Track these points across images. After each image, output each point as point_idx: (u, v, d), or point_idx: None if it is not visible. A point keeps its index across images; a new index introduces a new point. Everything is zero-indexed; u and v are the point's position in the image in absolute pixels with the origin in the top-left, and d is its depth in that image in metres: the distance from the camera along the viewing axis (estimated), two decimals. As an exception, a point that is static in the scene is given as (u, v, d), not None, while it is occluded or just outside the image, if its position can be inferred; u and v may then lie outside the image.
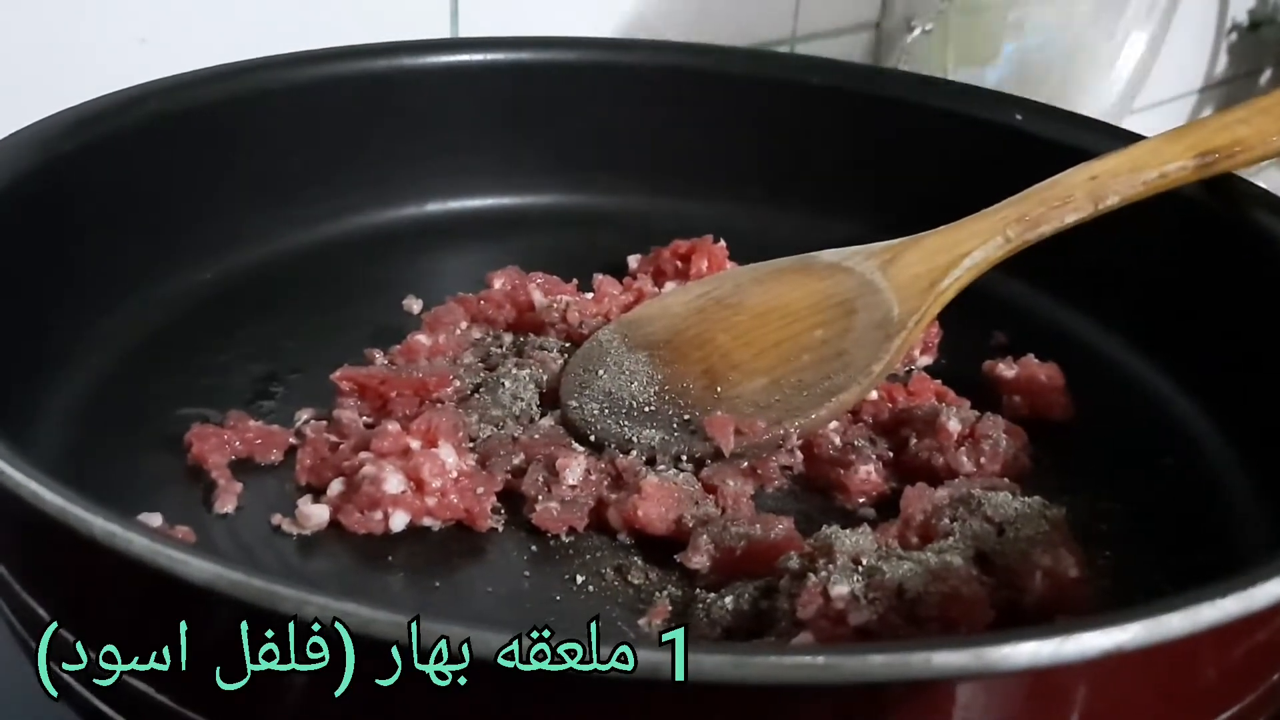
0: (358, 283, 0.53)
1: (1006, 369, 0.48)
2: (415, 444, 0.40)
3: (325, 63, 0.54)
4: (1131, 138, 0.49)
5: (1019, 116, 0.54)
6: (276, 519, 0.40)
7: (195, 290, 0.51)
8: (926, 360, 0.50)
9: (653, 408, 0.43)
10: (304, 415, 0.44)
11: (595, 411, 0.43)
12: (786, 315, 0.46)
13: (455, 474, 0.40)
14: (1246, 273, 0.47)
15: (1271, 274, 0.45)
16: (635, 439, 0.42)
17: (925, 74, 0.60)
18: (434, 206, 0.58)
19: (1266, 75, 1.13)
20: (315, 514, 0.39)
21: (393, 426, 0.41)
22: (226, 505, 0.40)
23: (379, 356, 0.47)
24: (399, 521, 0.39)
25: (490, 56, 0.57)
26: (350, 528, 0.39)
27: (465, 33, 0.63)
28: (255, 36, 0.55)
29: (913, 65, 0.75)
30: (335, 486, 0.40)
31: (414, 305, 0.52)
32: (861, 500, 0.42)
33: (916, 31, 0.77)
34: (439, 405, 0.44)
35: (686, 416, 0.43)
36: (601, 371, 0.45)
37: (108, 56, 0.53)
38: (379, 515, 0.39)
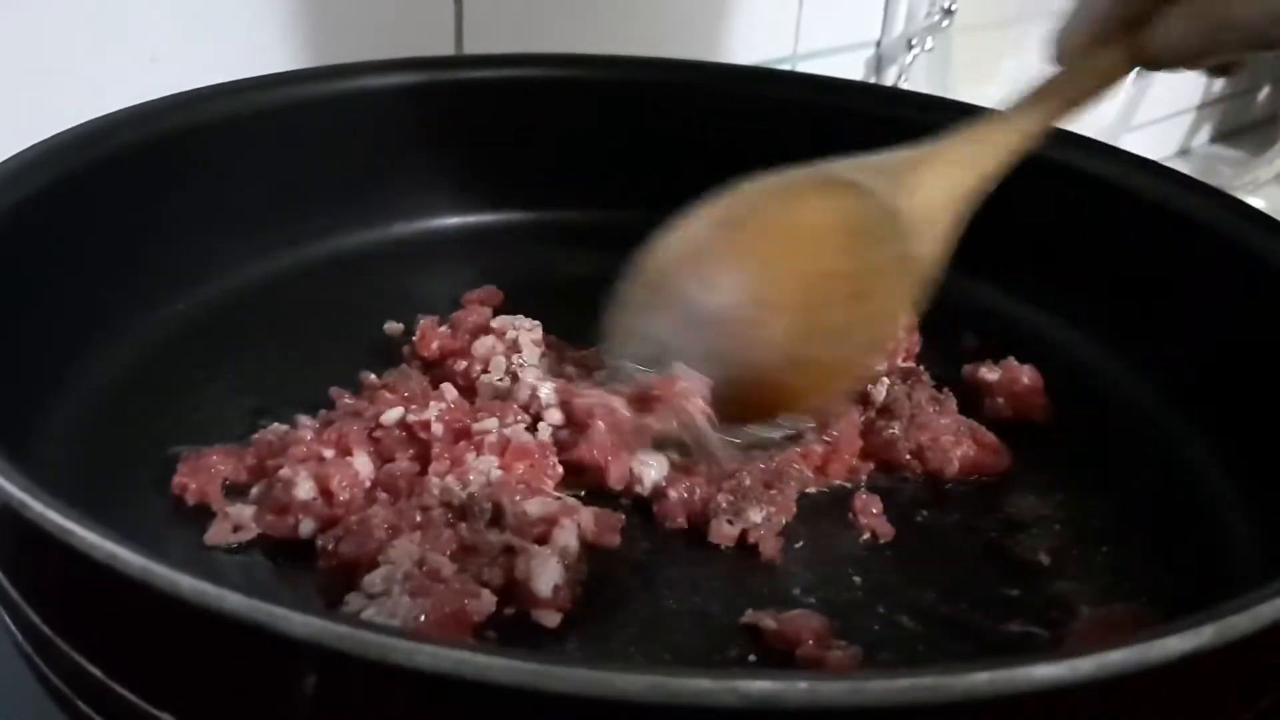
0: (332, 308, 0.53)
1: (988, 372, 0.49)
2: (328, 453, 0.40)
3: (292, 86, 0.54)
4: (1128, 157, 0.52)
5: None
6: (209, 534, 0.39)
7: (168, 323, 0.49)
8: (908, 366, 0.51)
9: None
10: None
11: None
12: (808, 242, 0.42)
13: (368, 484, 0.40)
14: (1211, 270, 0.49)
15: (1235, 270, 0.48)
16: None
17: (925, 92, 0.61)
18: (403, 227, 0.58)
19: (1264, 92, 1.16)
20: (238, 516, 0.39)
21: (306, 434, 0.41)
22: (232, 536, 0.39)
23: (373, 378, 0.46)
24: (306, 528, 0.39)
25: (462, 75, 0.57)
26: (264, 530, 0.39)
27: (470, 49, 0.63)
28: (263, 54, 0.55)
29: (913, 83, 0.77)
30: (255, 490, 0.40)
31: (395, 329, 0.51)
32: None
33: (917, 50, 0.79)
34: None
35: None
36: (641, 327, 0.42)
37: (119, 75, 0.53)
38: (290, 520, 0.39)
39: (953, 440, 0.45)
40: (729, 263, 0.41)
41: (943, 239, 0.42)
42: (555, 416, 0.43)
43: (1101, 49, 0.42)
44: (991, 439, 0.46)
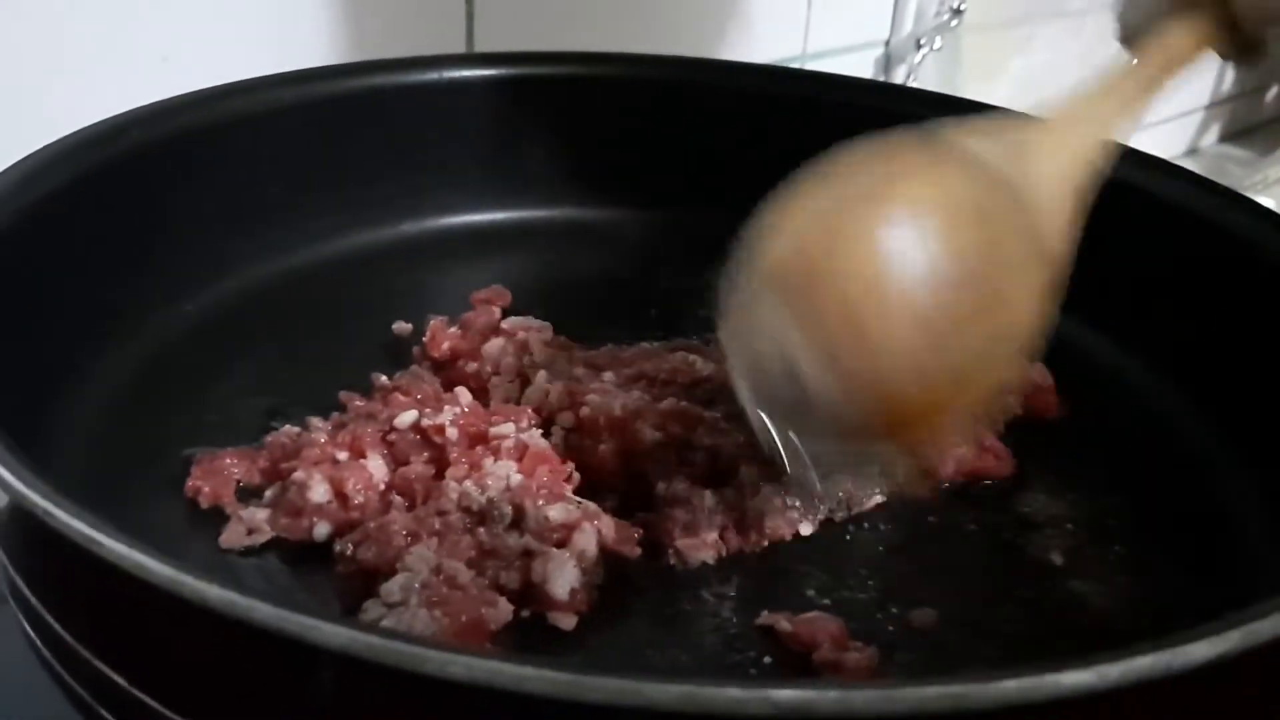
0: (343, 308, 0.53)
1: (1000, 371, 0.49)
2: (342, 455, 0.40)
3: (302, 84, 0.53)
4: (1140, 156, 0.51)
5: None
6: (224, 537, 0.39)
7: (178, 323, 0.49)
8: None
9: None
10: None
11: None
12: (928, 228, 0.34)
13: (383, 486, 0.40)
14: (1224, 269, 0.49)
15: (1248, 269, 0.48)
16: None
17: (934, 90, 0.61)
18: (413, 225, 0.58)
19: (1273, 92, 1.15)
20: (252, 519, 0.39)
21: (319, 436, 0.41)
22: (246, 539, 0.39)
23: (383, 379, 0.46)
24: (321, 531, 0.39)
25: (473, 73, 0.57)
26: (278, 533, 0.39)
27: (481, 48, 0.63)
28: (274, 53, 0.55)
29: (922, 83, 0.76)
30: (269, 492, 0.40)
31: (405, 329, 0.51)
32: None
33: (925, 50, 0.79)
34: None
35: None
36: (758, 325, 0.34)
37: (131, 74, 0.53)
38: (305, 523, 0.39)
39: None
40: (857, 247, 0.34)
41: (1071, 228, 0.36)
42: (567, 420, 0.43)
43: (1177, 21, 0.38)
44: (995, 444, 0.45)
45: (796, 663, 0.36)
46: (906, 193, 0.35)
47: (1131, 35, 0.39)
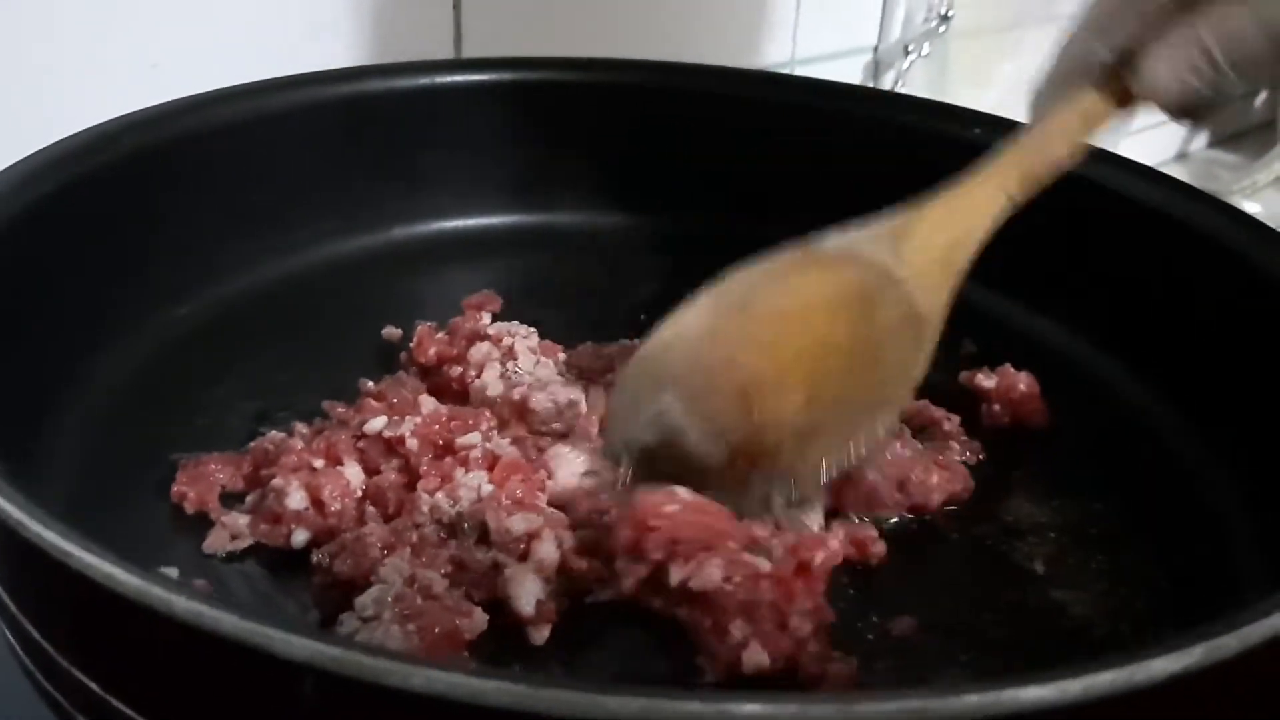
0: (335, 313, 0.53)
1: (985, 379, 0.49)
2: (318, 462, 0.40)
3: (294, 89, 0.54)
4: (1125, 162, 0.51)
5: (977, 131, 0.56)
6: (208, 542, 0.39)
7: (171, 327, 0.50)
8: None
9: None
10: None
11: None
12: (806, 318, 0.41)
13: (360, 493, 0.40)
14: (1207, 276, 0.49)
15: (1231, 275, 0.48)
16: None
17: (922, 97, 0.61)
18: (404, 231, 0.58)
19: (1262, 97, 1.14)
20: (234, 524, 0.40)
21: (297, 443, 0.41)
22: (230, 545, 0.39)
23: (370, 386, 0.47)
24: (300, 538, 0.39)
25: (462, 78, 0.57)
26: (259, 539, 0.39)
27: (469, 54, 0.63)
28: (263, 60, 0.56)
29: (910, 89, 0.76)
30: (250, 498, 0.41)
31: (394, 334, 0.52)
32: None
33: (914, 55, 0.79)
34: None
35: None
36: (638, 426, 0.40)
37: (121, 81, 0.53)
38: (283, 530, 0.39)
39: (924, 470, 0.44)
40: (731, 348, 0.40)
41: (944, 294, 0.42)
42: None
43: (1084, 94, 0.42)
44: (954, 463, 0.45)
45: (778, 673, 0.36)
46: (782, 288, 0.41)
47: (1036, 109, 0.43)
